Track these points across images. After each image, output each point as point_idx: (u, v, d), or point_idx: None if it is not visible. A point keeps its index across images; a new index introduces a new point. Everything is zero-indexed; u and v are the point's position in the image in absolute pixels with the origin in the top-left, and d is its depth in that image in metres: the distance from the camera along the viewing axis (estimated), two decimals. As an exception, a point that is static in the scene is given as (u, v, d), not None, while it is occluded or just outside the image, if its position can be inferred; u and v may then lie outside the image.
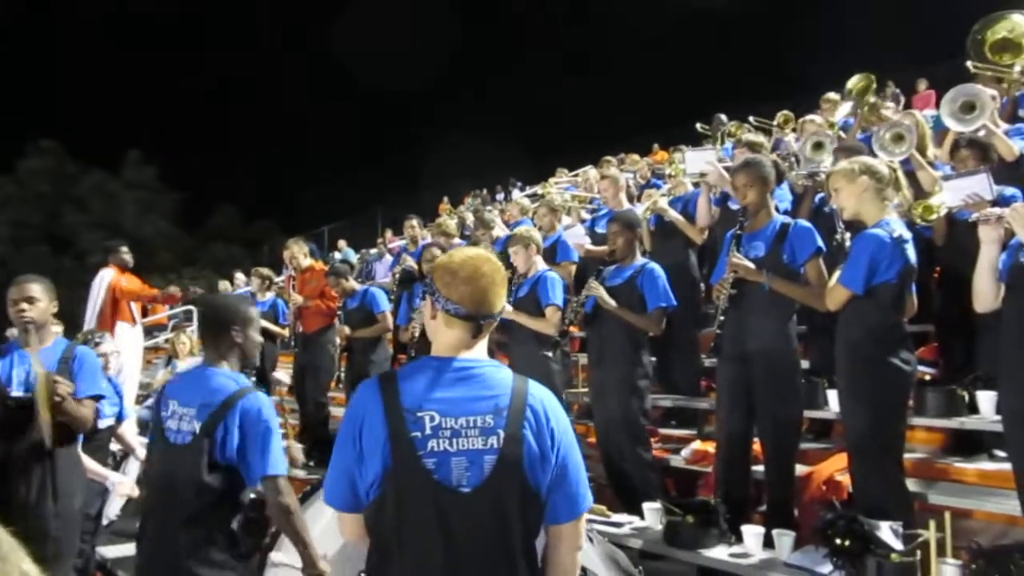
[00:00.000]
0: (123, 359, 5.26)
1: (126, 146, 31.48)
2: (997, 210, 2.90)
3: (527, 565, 1.71)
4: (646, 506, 3.82)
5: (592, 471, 4.82)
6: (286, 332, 6.97)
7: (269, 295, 7.42)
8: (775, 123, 8.53)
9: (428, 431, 1.65)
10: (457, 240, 7.41)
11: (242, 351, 2.74)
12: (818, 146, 5.18)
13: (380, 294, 6.40)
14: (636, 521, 3.87)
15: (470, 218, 9.34)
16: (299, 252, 7.03)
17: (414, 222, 9.26)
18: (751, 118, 8.78)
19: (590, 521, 3.38)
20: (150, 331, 10.31)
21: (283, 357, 7.59)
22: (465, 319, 1.75)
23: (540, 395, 1.75)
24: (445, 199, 15.88)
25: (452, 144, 25.02)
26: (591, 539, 2.83)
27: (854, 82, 6.49)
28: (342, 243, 15.99)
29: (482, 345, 1.81)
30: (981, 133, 4.53)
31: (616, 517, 3.88)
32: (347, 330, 6.28)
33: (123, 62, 30.91)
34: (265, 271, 7.72)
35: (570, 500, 1.74)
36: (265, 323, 7.38)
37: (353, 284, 6.56)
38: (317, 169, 30.10)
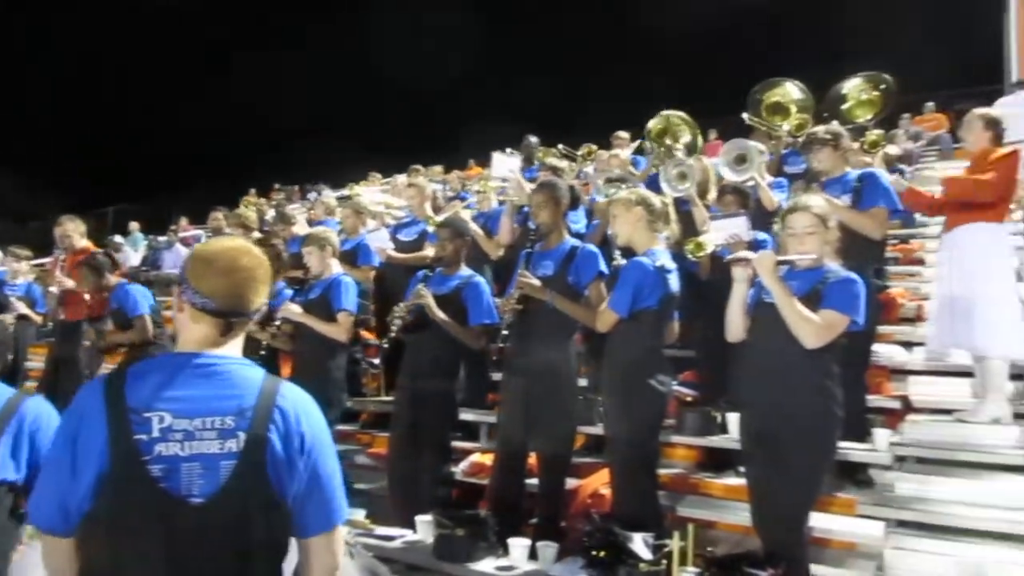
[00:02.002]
0: None
1: None
2: (749, 254, 3.22)
3: None
4: (419, 519, 3.79)
5: (370, 481, 4.76)
6: (40, 319, 6.20)
7: (23, 279, 6.60)
8: (580, 153, 8.98)
9: (156, 433, 1.48)
10: (256, 234, 7.02)
11: None
12: (682, 176, 5.35)
13: (139, 293, 5.52)
14: (409, 534, 3.82)
15: (271, 212, 8.90)
16: (74, 231, 6.31)
17: (219, 214, 8.76)
18: (560, 145, 9.16)
19: (354, 535, 3.30)
20: None
21: (35, 348, 6.75)
22: (214, 314, 1.61)
23: (293, 396, 1.63)
24: (252, 191, 15.05)
25: (264, 133, 23.55)
26: (351, 553, 2.74)
27: (653, 124, 6.96)
28: (134, 226, 14.61)
29: (235, 343, 1.67)
30: (751, 183, 5.05)
31: (384, 530, 3.81)
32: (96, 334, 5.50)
33: None
34: (22, 251, 6.84)
35: (323, 510, 1.63)
36: (22, 307, 6.56)
37: (110, 280, 5.58)
38: (106, 142, 26.58)
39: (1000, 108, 8.43)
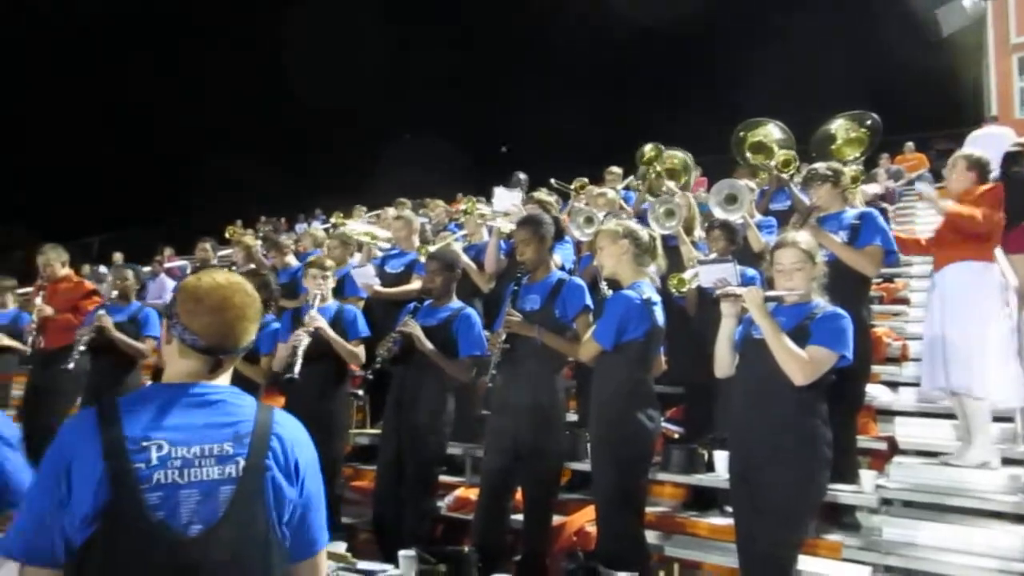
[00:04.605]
0: None
1: None
2: (738, 288, 3.20)
3: None
4: (401, 554, 3.69)
5: (353, 515, 4.67)
6: (26, 348, 6.12)
7: (11, 307, 6.56)
8: (573, 187, 9.03)
9: (155, 461, 1.48)
10: (251, 264, 6.98)
11: None
12: (588, 221, 5.58)
13: (155, 316, 5.59)
14: (390, 569, 3.73)
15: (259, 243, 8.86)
16: (56, 259, 6.33)
17: (207, 244, 8.75)
18: (552, 180, 9.21)
19: (336, 569, 3.24)
20: None
21: (18, 377, 6.66)
22: (203, 352, 1.62)
23: (287, 424, 1.66)
24: (239, 222, 15.05)
25: (242, 164, 23.64)
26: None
27: (647, 150, 7.01)
28: (118, 256, 14.55)
29: (225, 376, 1.69)
30: (740, 222, 5.08)
31: (366, 564, 3.72)
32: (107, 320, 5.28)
33: None
34: (6, 281, 6.78)
35: (308, 537, 1.65)
36: (3, 339, 6.43)
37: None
38: (90, 175, 26.41)
39: (971, 142, 8.63)
